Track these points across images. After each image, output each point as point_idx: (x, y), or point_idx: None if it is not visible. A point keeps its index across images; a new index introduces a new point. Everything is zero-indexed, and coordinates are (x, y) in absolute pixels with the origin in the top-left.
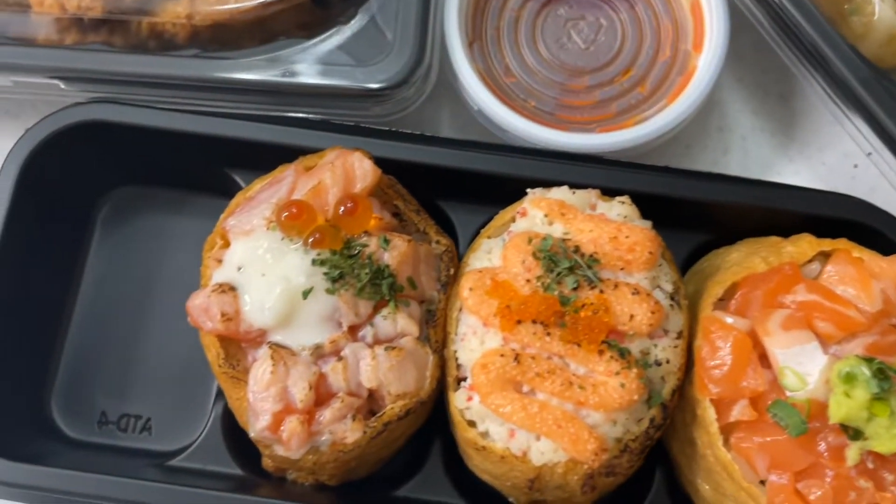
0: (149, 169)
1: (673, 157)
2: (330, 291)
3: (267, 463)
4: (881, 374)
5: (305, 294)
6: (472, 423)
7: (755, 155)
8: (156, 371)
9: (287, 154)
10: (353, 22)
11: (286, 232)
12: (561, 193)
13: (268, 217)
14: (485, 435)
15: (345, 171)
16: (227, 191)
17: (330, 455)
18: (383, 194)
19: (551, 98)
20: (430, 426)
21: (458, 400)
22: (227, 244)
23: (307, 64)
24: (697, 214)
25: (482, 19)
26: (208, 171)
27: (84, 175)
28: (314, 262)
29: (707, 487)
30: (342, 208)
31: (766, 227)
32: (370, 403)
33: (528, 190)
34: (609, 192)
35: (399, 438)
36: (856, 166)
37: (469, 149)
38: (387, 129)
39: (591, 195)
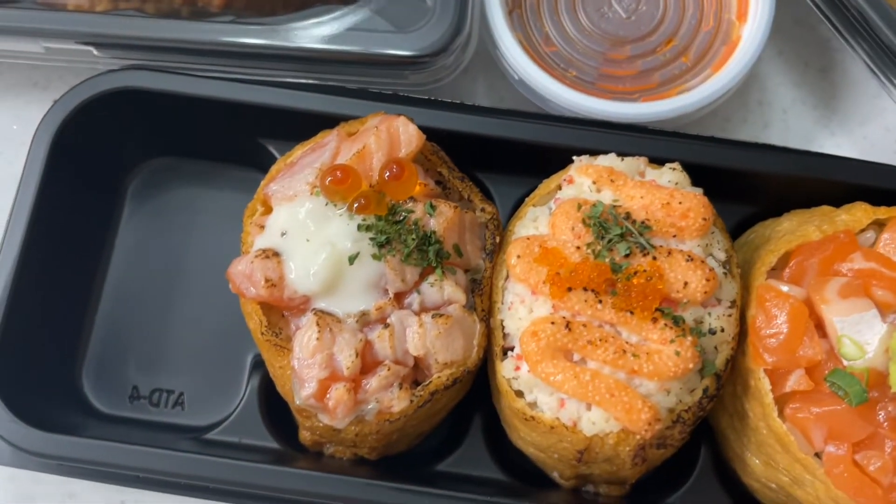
0: (181, 139)
1: (712, 130)
2: (376, 257)
3: (304, 436)
4: None
5: (352, 259)
6: (519, 394)
7: (796, 128)
8: (188, 345)
9: (323, 122)
10: None
11: (330, 197)
12: (609, 160)
13: (311, 182)
14: (533, 405)
15: (389, 136)
16: (261, 163)
17: (375, 425)
18: (426, 161)
19: (592, 68)
20: (471, 400)
21: (506, 369)
22: (268, 210)
23: (343, 30)
24: (743, 186)
25: None
26: (242, 141)
27: (116, 146)
28: (360, 227)
29: (757, 462)
30: (387, 173)
31: (811, 199)
32: (415, 373)
33: (574, 157)
34: (654, 162)
35: (441, 411)
36: None
37: (513, 117)
38: (426, 97)
39: (639, 162)
